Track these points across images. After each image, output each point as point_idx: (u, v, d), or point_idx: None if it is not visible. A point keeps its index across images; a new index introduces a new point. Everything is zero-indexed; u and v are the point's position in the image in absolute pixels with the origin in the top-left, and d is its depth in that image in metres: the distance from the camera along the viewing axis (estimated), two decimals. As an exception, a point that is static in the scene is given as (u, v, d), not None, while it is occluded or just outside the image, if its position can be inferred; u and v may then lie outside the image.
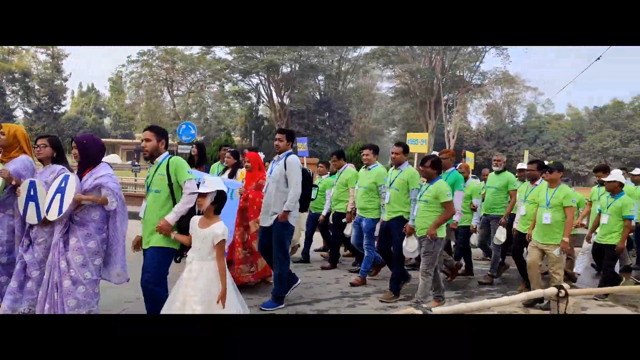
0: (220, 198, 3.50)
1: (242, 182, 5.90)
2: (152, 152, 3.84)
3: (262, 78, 45.82)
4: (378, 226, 6.06)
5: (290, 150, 5.19)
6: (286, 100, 46.48)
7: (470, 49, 42.71)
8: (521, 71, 62.16)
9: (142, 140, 3.88)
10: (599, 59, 11.98)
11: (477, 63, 44.38)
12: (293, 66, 45.52)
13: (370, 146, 6.33)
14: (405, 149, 5.85)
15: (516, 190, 6.63)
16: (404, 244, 5.36)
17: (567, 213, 5.24)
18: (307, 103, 44.00)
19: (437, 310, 4.40)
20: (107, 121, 63.76)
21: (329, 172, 8.15)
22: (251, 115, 49.41)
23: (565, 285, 5.00)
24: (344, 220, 6.95)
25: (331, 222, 7.46)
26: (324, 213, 7.48)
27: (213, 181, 3.55)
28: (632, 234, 7.19)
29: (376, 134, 57.76)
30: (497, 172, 6.89)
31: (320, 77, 47.79)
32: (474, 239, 7.22)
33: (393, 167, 5.83)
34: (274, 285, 5.16)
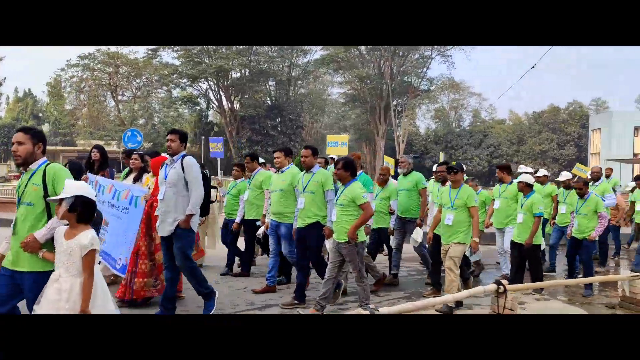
0: (84, 203, 3.10)
1: (148, 188, 5.51)
2: (25, 157, 3.27)
3: (212, 83, 44.89)
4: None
5: (185, 152, 4.92)
6: (236, 106, 45.79)
7: (417, 55, 43.82)
8: (466, 77, 64.69)
9: (14, 144, 3.28)
10: (533, 67, 12.65)
11: (424, 69, 45.62)
12: (243, 71, 44.92)
13: (308, 147, 5.87)
14: (314, 152, 5.67)
15: (425, 188, 6.81)
16: (327, 246, 5.29)
17: (473, 213, 5.34)
18: (258, 108, 43.54)
19: (384, 310, 4.37)
20: (45, 128, 60.34)
21: (243, 177, 7.60)
22: (200, 121, 48.31)
23: (504, 281, 5.12)
24: (258, 223, 6.69)
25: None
26: (237, 219, 7.07)
27: (71, 185, 3.15)
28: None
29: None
30: (405, 174, 6.90)
31: (270, 82, 47.45)
32: (392, 241, 7.22)
33: (304, 171, 5.67)
34: (198, 294, 5.03)
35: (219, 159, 10.16)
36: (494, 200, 7.44)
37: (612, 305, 5.85)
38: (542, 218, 6.32)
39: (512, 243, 6.46)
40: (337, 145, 8.73)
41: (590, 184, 8.27)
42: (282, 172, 5.98)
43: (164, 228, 4.77)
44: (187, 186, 4.71)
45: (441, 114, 57.20)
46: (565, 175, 7.86)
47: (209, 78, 43.36)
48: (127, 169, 6.55)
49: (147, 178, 5.84)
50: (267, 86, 47.85)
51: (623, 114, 46.79)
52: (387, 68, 44.13)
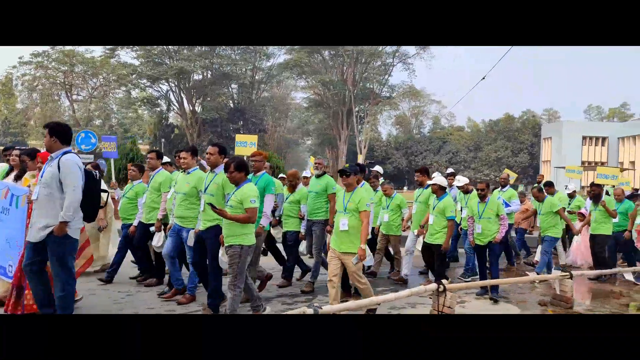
0: None
1: (29, 188, 4.97)
2: None
3: (173, 85, 44.15)
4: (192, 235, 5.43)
5: (67, 149, 4.33)
6: (198, 108, 45.19)
7: (379, 62, 44.58)
8: (426, 84, 66.51)
9: None
10: (483, 78, 13.11)
11: (386, 76, 46.43)
12: (205, 73, 44.43)
13: (215, 144, 5.44)
14: (222, 150, 5.26)
15: (335, 194, 6.41)
16: (220, 253, 4.90)
17: (362, 218, 4.95)
18: (220, 111, 43.10)
19: (327, 308, 4.48)
20: (-5, 127, 57.60)
21: (141, 179, 7.02)
22: (160, 123, 47.35)
23: (445, 281, 5.34)
24: (152, 229, 6.16)
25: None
26: (134, 222, 6.49)
27: None
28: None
29: (291, 143, 58.17)
30: (318, 176, 6.64)
31: (233, 86, 47.11)
32: (302, 246, 6.93)
33: (209, 171, 5.34)
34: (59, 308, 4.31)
35: (112, 160, 9.49)
36: (412, 204, 7.38)
37: (544, 303, 6.18)
38: (454, 221, 6.42)
39: (425, 244, 6.64)
40: (246, 145, 8.14)
41: (498, 189, 8.59)
42: (188, 173, 5.54)
43: (33, 233, 4.21)
44: (63, 188, 4.18)
45: (402, 121, 58.40)
46: (462, 180, 7.71)
47: (170, 79, 42.63)
48: (6, 167, 5.94)
49: (26, 178, 5.30)
50: (230, 89, 47.50)
51: (572, 124, 49.15)
52: (349, 74, 44.67)
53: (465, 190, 7.61)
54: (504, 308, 6.00)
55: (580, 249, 8.54)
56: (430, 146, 53.27)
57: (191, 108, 44.86)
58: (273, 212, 6.35)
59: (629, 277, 7.64)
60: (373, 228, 7.19)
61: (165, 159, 6.96)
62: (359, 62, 43.95)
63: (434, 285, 5.36)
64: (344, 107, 45.27)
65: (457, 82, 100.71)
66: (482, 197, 6.38)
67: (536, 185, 8.88)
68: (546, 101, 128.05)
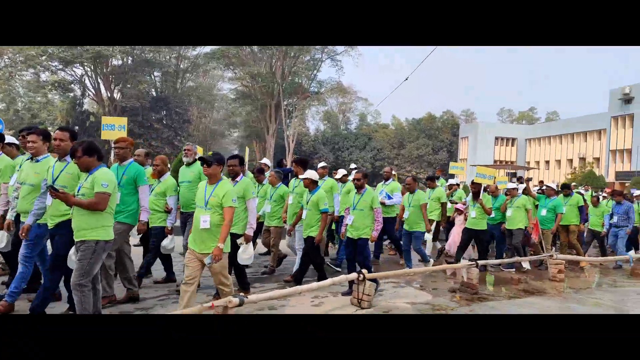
0: None
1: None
2: None
3: (88, 69, 41.27)
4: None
5: None
6: (117, 95, 42.66)
7: (308, 57, 44.71)
8: (353, 82, 67.78)
9: None
10: (406, 79, 13.57)
11: (315, 72, 46.69)
12: (125, 59, 41.98)
13: (64, 129, 4.59)
14: (73, 136, 4.63)
15: None
16: (71, 252, 4.17)
17: (225, 215, 4.34)
18: (142, 100, 40.99)
19: (253, 297, 4.39)
20: None
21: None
22: (74, 110, 44.10)
23: (364, 270, 5.46)
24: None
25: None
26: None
27: None
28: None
29: (217, 135, 56.81)
30: (188, 164, 6.11)
31: (156, 73, 44.98)
32: (166, 241, 6.10)
33: (57, 159, 4.71)
34: None
35: None
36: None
37: (453, 290, 6.49)
38: (327, 214, 6.22)
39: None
40: (114, 129, 7.43)
41: (382, 182, 8.72)
42: (37, 161, 4.65)
43: None
44: None
45: (330, 116, 59.10)
46: (340, 172, 8.09)
47: (85, 63, 39.80)
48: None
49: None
50: (152, 77, 45.31)
51: (487, 125, 52.59)
52: (278, 67, 44.36)
53: (343, 181, 7.86)
54: (419, 294, 6.20)
55: (456, 240, 8.72)
56: (356, 142, 54.43)
57: (109, 95, 42.25)
58: None
59: (526, 265, 8.25)
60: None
61: (9, 138, 5.66)
62: (288, 55, 43.80)
63: (354, 275, 5.48)
64: (272, 101, 44.90)
65: (384, 81, 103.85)
66: (358, 188, 6.19)
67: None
68: (464, 102, 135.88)
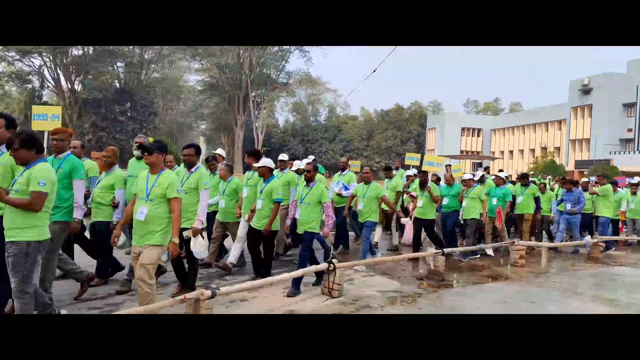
0: None
1: None
2: None
3: (47, 60, 39.77)
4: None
5: None
6: (78, 87, 41.30)
7: (276, 48, 44.41)
8: (322, 73, 67.93)
9: None
10: (374, 71, 13.60)
11: (283, 63, 46.45)
12: (86, 49, 40.63)
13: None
14: (10, 124, 4.32)
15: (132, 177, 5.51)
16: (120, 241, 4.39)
17: (173, 206, 4.16)
18: (104, 91, 39.85)
19: (224, 289, 4.38)
20: None
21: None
22: (33, 102, 42.47)
23: (335, 260, 5.53)
24: None
25: None
26: None
27: None
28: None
29: (184, 127, 55.86)
30: (139, 158, 5.76)
31: (119, 64, 43.80)
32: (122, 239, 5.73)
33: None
34: None
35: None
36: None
37: (421, 277, 6.64)
38: (280, 203, 5.89)
39: (250, 229, 6.04)
40: (46, 119, 6.89)
41: (338, 173, 8.63)
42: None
43: None
44: None
45: (299, 108, 58.96)
46: (296, 164, 7.89)
47: (44, 53, 38.35)
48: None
49: None
50: (116, 68, 44.09)
51: (454, 116, 53.66)
52: (246, 59, 43.89)
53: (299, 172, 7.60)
54: (388, 283, 6.31)
55: (410, 232, 8.64)
56: (326, 134, 54.57)
57: (69, 86, 40.85)
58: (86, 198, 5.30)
59: (490, 252, 8.51)
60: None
61: None
62: (256, 46, 43.37)
63: (324, 265, 5.54)
64: (240, 92, 44.45)
65: (353, 72, 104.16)
66: (308, 181, 5.78)
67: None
68: (432, 94, 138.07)
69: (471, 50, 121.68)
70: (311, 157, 8.64)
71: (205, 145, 65.73)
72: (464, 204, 8.33)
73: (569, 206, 9.23)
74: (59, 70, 40.24)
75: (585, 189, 9.84)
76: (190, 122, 56.59)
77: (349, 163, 8.77)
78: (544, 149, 43.80)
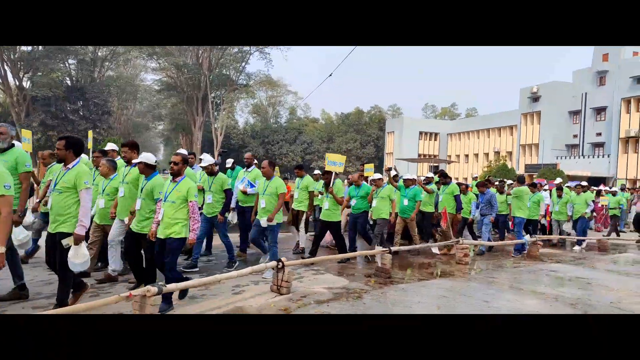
0: None
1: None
2: None
3: (-7, 55, 37.84)
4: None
5: None
6: (26, 84, 39.48)
7: (236, 49, 44.04)
8: (283, 75, 67.88)
9: None
10: (330, 75, 13.81)
11: (243, 64, 46.10)
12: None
13: None
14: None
15: (27, 173, 5.20)
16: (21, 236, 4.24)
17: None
18: (55, 89, 38.27)
19: (171, 286, 4.35)
20: None
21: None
22: (-23, 99, 40.37)
23: (283, 258, 5.60)
24: None
25: None
26: None
27: None
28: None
29: (141, 127, 54.44)
30: (2, 150, 5.15)
31: (71, 61, 42.17)
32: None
33: None
34: None
35: None
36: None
37: (369, 275, 6.80)
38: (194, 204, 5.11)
39: (130, 232, 5.38)
40: None
41: (243, 170, 8.10)
42: None
43: None
44: None
45: (259, 110, 58.69)
46: (207, 160, 7.09)
47: (-11, 48, 36.47)
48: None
49: None
50: (67, 65, 42.43)
51: (412, 120, 54.85)
52: (205, 59, 43.29)
53: (209, 171, 6.98)
54: (337, 280, 6.41)
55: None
56: (286, 136, 54.53)
57: (17, 83, 39.00)
58: None
59: (435, 250, 8.80)
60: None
61: None
62: (215, 47, 42.85)
63: (273, 263, 5.58)
64: (199, 93, 43.78)
65: (315, 75, 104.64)
66: (174, 175, 5.17)
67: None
68: (391, 98, 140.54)
69: (430, 56, 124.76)
70: (183, 150, 7.86)
71: (163, 146, 64.36)
72: (373, 203, 8.13)
73: (480, 207, 9.46)
74: (6, 67, 38.32)
75: (500, 192, 10.21)
76: (147, 122, 55.22)
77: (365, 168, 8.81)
78: (497, 153, 45.47)
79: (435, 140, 54.49)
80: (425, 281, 6.60)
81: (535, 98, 40.91)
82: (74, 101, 40.59)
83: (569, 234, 10.90)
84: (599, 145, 36.81)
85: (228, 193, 7.02)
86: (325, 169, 7.85)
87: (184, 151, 7.28)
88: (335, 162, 7.90)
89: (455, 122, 57.39)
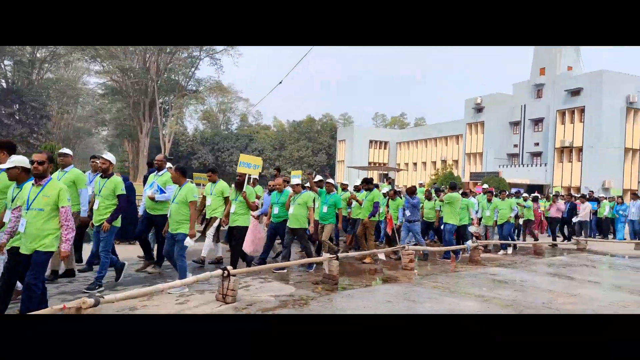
0: None
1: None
2: None
3: None
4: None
5: None
6: (-45, 85, 36.92)
7: (185, 54, 43.20)
8: (234, 82, 67.08)
9: None
10: (280, 82, 13.74)
11: (193, 69, 45.26)
12: (-34, 43, 36.52)
13: None
14: None
15: None
16: None
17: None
18: (-13, 91, 35.98)
19: (110, 297, 4.13)
20: None
21: None
22: None
23: (229, 267, 5.51)
24: None
25: None
26: None
27: None
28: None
29: (83, 133, 52.08)
30: None
31: (7, 62, 39.80)
32: None
33: None
34: None
35: None
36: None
37: (316, 282, 6.79)
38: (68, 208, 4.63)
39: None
40: None
41: (154, 173, 7.32)
42: None
43: None
44: None
45: (209, 116, 57.74)
46: (109, 157, 7.29)
47: None
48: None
49: None
50: (2, 66, 40.00)
51: (363, 129, 55.77)
52: (152, 63, 42.12)
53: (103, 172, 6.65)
54: (284, 287, 6.35)
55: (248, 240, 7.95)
56: (237, 143, 53.93)
57: (-56, 84, 36.38)
58: None
59: (382, 256, 8.94)
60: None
61: None
62: (163, 51, 41.82)
63: (219, 272, 5.47)
64: (146, 98, 42.48)
65: (267, 82, 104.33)
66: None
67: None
68: (342, 107, 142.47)
69: (381, 65, 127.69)
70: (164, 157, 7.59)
71: (107, 152, 61.74)
72: (290, 210, 7.62)
73: (408, 213, 9.35)
74: None
75: (428, 198, 10.50)
76: (90, 127, 52.86)
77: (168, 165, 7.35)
78: (444, 161, 47.00)
79: (385, 148, 55.61)
80: (372, 287, 6.68)
81: (479, 109, 42.71)
82: (9, 104, 38.25)
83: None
84: (537, 154, 38.88)
85: (121, 199, 6.12)
86: (238, 171, 7.37)
87: (108, 156, 6.49)
88: (248, 163, 7.31)
89: (405, 131, 58.87)
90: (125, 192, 6.22)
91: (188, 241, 5.93)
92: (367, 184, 9.29)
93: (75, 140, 48.03)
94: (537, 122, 38.74)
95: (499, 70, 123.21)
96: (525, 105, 39.37)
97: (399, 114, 72.70)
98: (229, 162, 50.50)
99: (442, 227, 10.01)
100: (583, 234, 14.67)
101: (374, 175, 45.53)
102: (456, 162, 46.15)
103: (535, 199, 13.39)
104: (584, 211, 14.46)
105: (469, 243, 9.36)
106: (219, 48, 43.74)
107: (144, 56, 42.59)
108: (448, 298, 5.83)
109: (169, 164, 7.44)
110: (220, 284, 5.47)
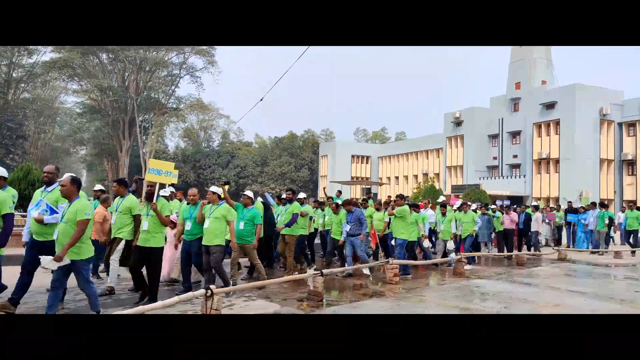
0: None
1: None
2: None
3: None
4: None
5: None
6: None
7: (165, 72, 43.05)
8: (215, 99, 67.00)
9: None
10: (262, 100, 13.61)
11: (173, 87, 45.07)
12: (-60, 63, 35.86)
13: None
14: None
15: None
16: None
17: None
18: (-39, 111, 35.20)
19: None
20: None
21: None
22: None
23: (212, 286, 5.43)
24: None
25: None
26: None
27: None
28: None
29: (61, 152, 51.16)
30: None
31: (-18, 82, 39.15)
32: None
33: None
34: None
35: None
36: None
37: (301, 299, 6.73)
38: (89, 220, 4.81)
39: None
40: None
41: (41, 189, 5.96)
42: None
43: None
44: None
45: (190, 134, 57.37)
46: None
47: None
48: None
49: None
50: (-23, 86, 39.33)
51: (344, 144, 56.06)
52: (132, 81, 41.83)
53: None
54: (268, 305, 6.28)
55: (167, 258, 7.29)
56: (219, 160, 53.62)
57: None
58: None
59: (367, 271, 8.92)
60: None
61: None
62: (143, 69, 41.60)
63: (202, 291, 5.38)
64: (125, 116, 42.07)
65: (248, 99, 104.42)
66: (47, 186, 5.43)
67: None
68: (324, 122, 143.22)
69: (361, 81, 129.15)
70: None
71: (86, 172, 60.83)
72: (205, 225, 6.78)
73: (348, 227, 8.85)
74: None
75: (377, 209, 10.47)
76: (68, 147, 51.96)
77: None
78: (425, 175, 47.43)
79: (367, 163, 55.92)
80: (357, 302, 6.64)
81: (458, 122, 43.37)
82: (-16, 125, 37.51)
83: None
84: (516, 166, 39.56)
85: (7, 219, 5.22)
86: (146, 179, 6.35)
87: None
88: (159, 170, 6.24)
89: (386, 146, 59.34)
90: (9, 211, 5.32)
91: (48, 263, 4.65)
92: (292, 194, 9.01)
93: (52, 159, 47.11)
94: (515, 134, 39.51)
95: (475, 84, 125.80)
96: (502, 119, 40.15)
97: (380, 129, 73.36)
98: (210, 179, 50.08)
99: (392, 241, 9.35)
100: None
101: (357, 189, 45.67)
102: (437, 175, 46.62)
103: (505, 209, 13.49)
104: (537, 222, 14.16)
105: (453, 256, 9.41)
106: (199, 65, 43.76)
107: (123, 75, 42.30)
108: (435, 311, 5.83)
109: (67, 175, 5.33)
110: (203, 303, 5.38)
